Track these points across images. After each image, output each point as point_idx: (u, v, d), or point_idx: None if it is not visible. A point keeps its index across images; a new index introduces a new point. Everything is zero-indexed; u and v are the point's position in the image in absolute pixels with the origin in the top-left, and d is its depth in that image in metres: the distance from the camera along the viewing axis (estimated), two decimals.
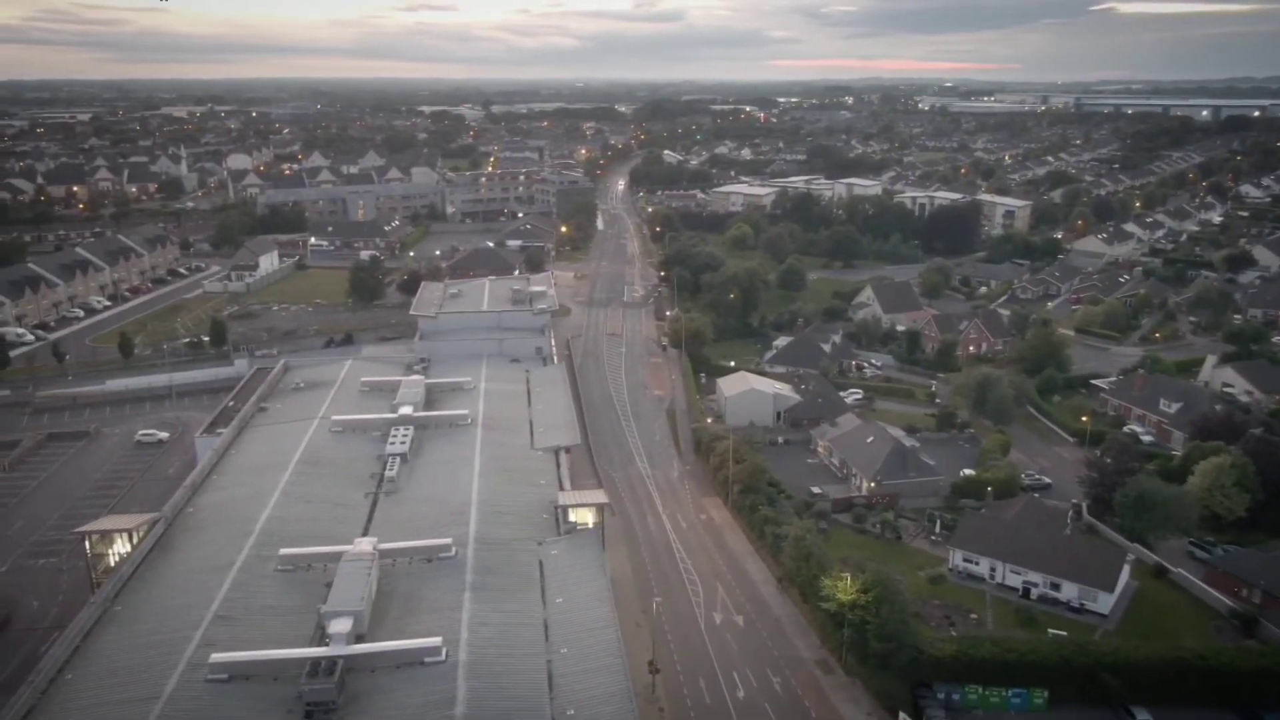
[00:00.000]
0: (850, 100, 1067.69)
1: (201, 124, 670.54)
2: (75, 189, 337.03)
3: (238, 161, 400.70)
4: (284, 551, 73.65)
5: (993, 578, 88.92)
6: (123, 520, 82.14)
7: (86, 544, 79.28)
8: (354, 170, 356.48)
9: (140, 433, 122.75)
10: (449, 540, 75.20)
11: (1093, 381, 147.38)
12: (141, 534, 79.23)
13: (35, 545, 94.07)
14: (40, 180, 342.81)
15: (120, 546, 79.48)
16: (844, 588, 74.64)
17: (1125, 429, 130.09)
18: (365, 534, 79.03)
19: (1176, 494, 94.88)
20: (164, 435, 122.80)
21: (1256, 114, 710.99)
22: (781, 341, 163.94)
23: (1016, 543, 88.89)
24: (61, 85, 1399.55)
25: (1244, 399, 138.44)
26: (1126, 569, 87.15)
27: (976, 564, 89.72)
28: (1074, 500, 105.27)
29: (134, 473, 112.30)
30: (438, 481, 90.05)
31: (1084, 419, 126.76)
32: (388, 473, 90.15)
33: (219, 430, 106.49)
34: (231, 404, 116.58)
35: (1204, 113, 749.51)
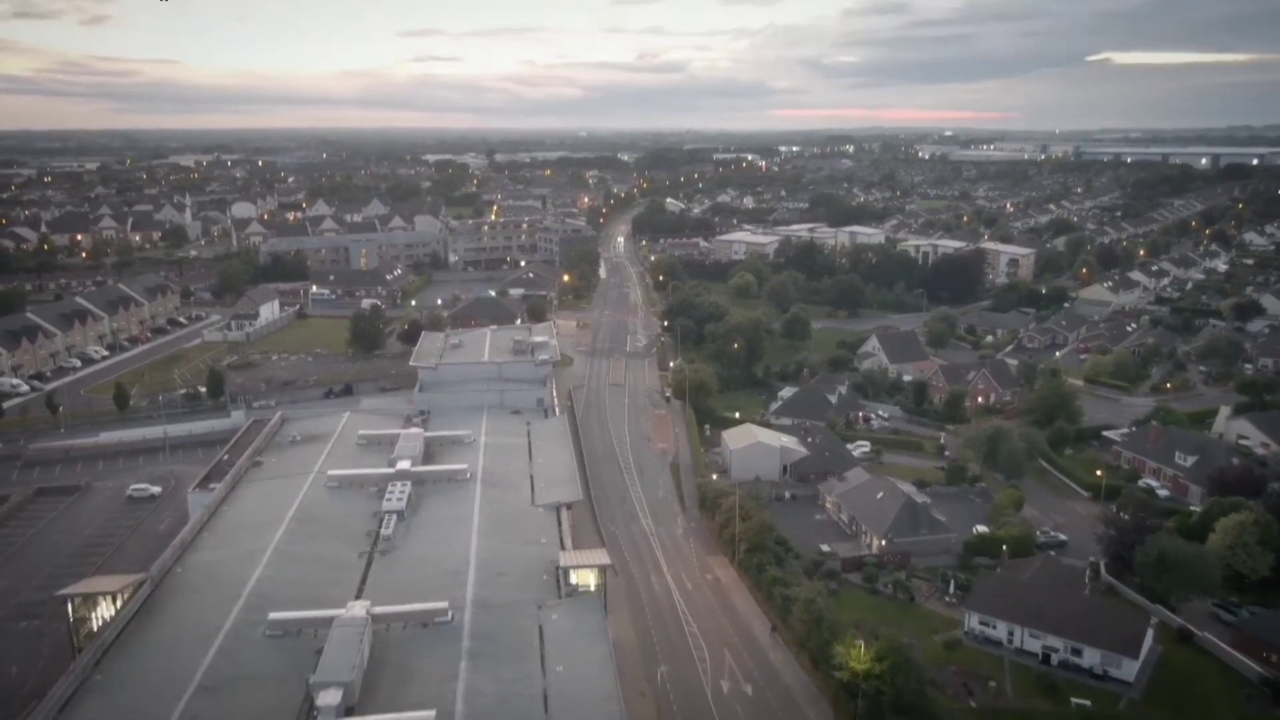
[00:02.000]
0: (851, 149, 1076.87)
1: (208, 173, 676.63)
2: (79, 237, 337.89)
3: (242, 210, 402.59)
4: (273, 616, 70.83)
5: (1011, 642, 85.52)
6: (107, 582, 79.07)
7: (69, 607, 76.16)
8: (358, 218, 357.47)
9: (132, 487, 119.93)
10: (445, 604, 72.43)
11: (1105, 433, 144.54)
12: (126, 596, 76.29)
13: (18, 607, 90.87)
14: (44, 229, 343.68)
15: (104, 610, 76.42)
16: (857, 655, 71.45)
17: (1140, 483, 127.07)
18: (359, 596, 76.32)
19: (1199, 553, 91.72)
20: (156, 490, 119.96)
21: (1255, 162, 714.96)
22: (787, 392, 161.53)
23: (1035, 605, 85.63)
24: (71, 135, 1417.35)
25: (1260, 451, 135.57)
26: (1150, 633, 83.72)
27: (993, 627, 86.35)
28: (1091, 559, 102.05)
29: (124, 530, 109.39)
30: (435, 540, 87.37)
31: (1098, 473, 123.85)
32: (383, 531, 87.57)
33: (212, 485, 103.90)
34: (226, 458, 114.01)
35: (1203, 161, 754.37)
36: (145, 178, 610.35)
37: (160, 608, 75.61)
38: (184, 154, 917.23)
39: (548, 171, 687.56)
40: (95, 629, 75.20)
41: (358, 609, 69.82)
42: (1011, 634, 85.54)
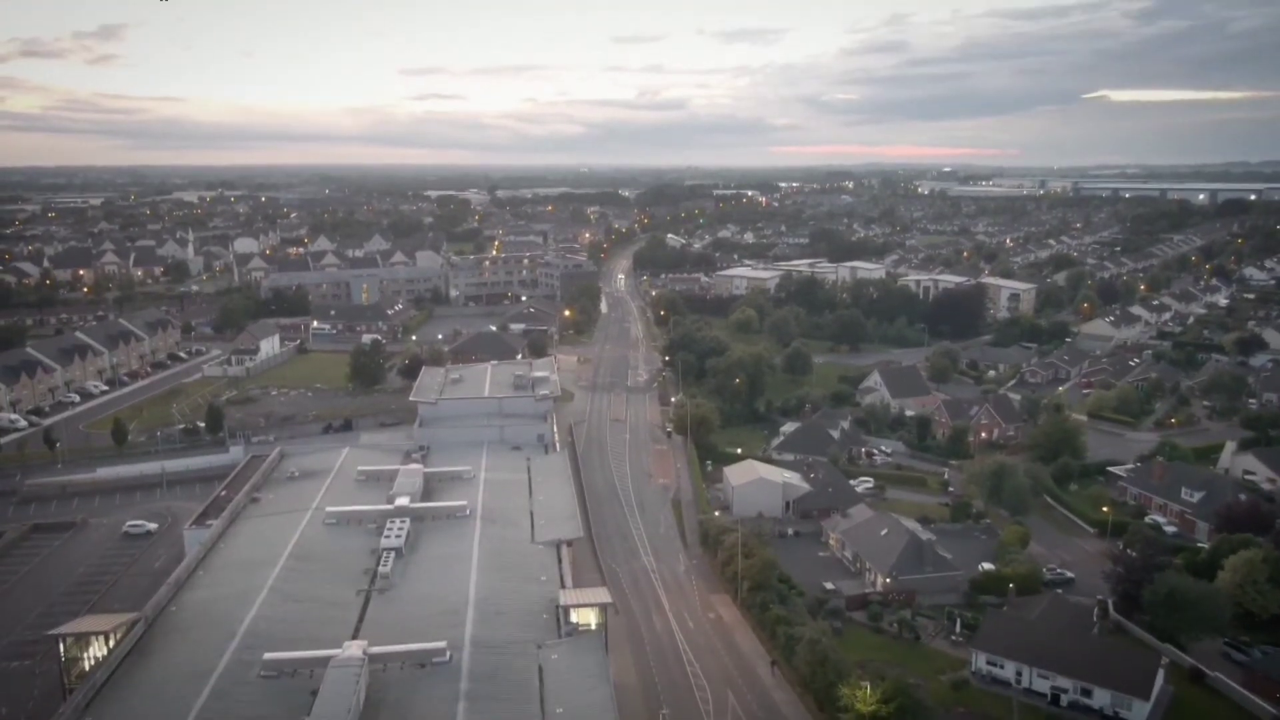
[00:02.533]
0: (850, 185, 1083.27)
1: (211, 208, 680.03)
2: (81, 272, 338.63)
3: (244, 245, 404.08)
4: (268, 656, 69.73)
5: (1019, 682, 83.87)
6: (99, 621, 77.87)
7: (60, 647, 74.93)
8: (359, 254, 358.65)
9: (128, 524, 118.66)
10: (443, 644, 71.31)
11: (1109, 469, 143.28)
12: (119, 636, 75.07)
13: (10, 646, 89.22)
14: (47, 264, 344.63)
15: (96, 650, 75.15)
16: (864, 697, 70.01)
17: (1146, 519, 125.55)
18: (356, 635, 75.41)
19: (1209, 591, 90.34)
20: (153, 526, 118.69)
21: (1253, 197, 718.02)
22: (789, 427, 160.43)
23: (1043, 645, 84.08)
24: (77, 171, 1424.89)
25: (1266, 487, 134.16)
26: (1161, 673, 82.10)
27: (1001, 667, 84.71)
28: (1099, 597, 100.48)
29: (119, 567, 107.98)
30: (433, 578, 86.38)
31: (1105, 509, 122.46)
32: (381, 569, 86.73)
33: (209, 522, 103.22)
34: (223, 494, 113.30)
35: (1201, 196, 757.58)
36: (149, 213, 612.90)
37: (153, 648, 74.46)
38: (188, 190, 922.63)
39: (549, 207, 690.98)
40: (87, 669, 73.92)
41: (354, 649, 68.80)
42: (1020, 674, 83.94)
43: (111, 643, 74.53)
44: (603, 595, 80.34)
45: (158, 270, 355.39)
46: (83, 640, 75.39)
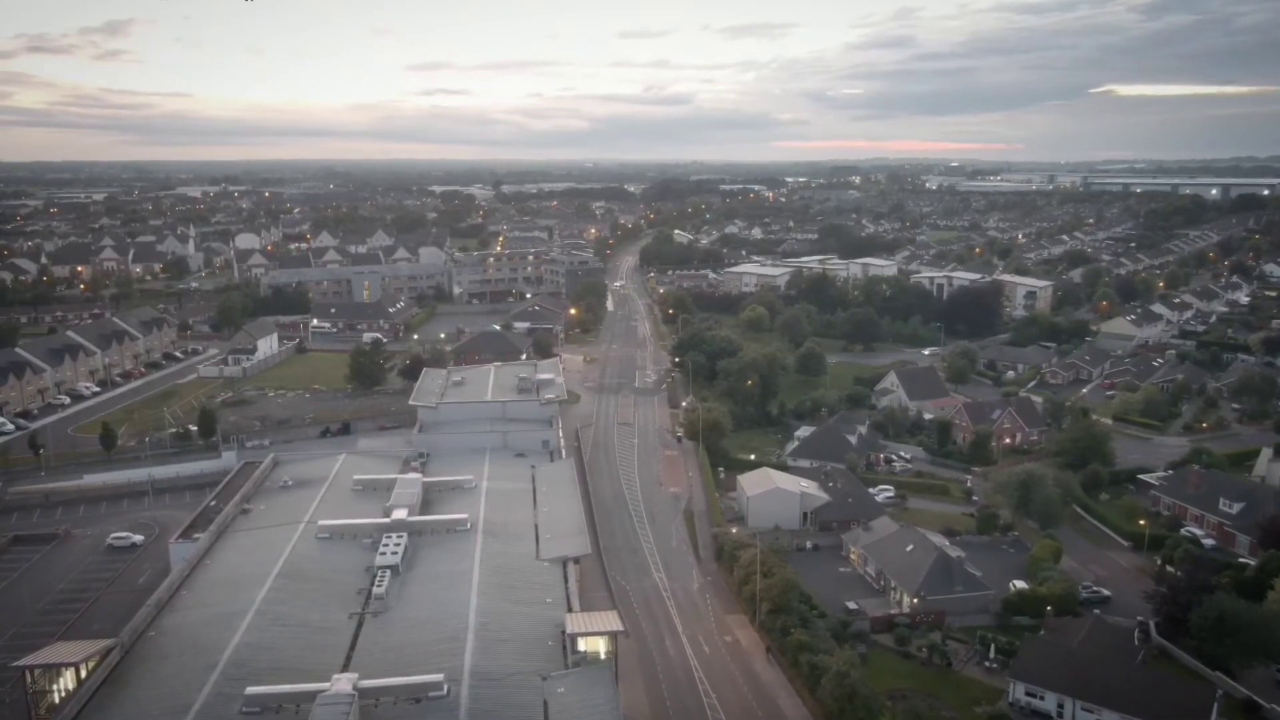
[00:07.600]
0: (857, 180, 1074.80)
1: (214, 204, 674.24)
2: (80, 269, 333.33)
3: (245, 241, 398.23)
4: (250, 691, 64.21)
5: (1060, 715, 77.91)
6: (70, 650, 72.22)
7: (27, 678, 69.33)
8: (362, 250, 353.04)
9: (112, 535, 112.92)
10: (440, 676, 65.69)
11: (1141, 477, 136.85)
12: (90, 666, 69.54)
13: None
14: (45, 260, 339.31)
15: (67, 682, 69.61)
16: None
17: (1183, 531, 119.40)
18: (347, 664, 70.20)
19: (1262, 615, 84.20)
20: (138, 538, 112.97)
21: (1266, 192, 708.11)
22: (804, 432, 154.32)
23: (1086, 674, 78.03)
24: (82, 166, 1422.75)
25: None
26: (1215, 706, 75.97)
27: (1041, 699, 78.74)
28: (1139, 618, 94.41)
29: (101, 583, 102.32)
30: (431, 600, 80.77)
31: (1141, 522, 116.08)
32: (376, 589, 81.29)
33: (196, 535, 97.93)
34: (212, 504, 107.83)
35: (1213, 191, 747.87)
36: (151, 209, 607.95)
37: (128, 678, 69.00)
38: (192, 185, 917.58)
39: (554, 203, 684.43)
40: (57, 702, 68.41)
41: (344, 683, 63.32)
42: (1061, 706, 77.94)
43: (83, 673, 69.05)
44: (613, 621, 74.48)
45: (157, 267, 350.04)
46: (51, 671, 69.86)
